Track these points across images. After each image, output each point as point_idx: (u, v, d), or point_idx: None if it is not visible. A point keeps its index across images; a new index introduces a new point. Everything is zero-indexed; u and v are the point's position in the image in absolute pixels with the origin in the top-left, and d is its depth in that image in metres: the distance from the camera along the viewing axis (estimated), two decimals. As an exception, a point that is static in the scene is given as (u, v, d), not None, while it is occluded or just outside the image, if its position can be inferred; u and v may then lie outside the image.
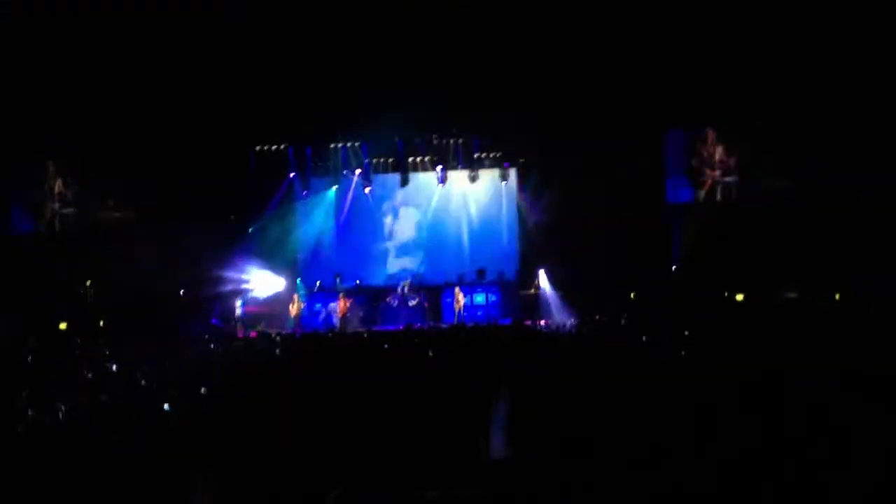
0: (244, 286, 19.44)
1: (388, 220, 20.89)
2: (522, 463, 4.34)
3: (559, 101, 17.41)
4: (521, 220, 20.37)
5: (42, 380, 8.22)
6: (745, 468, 3.98)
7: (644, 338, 10.11)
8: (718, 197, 18.86)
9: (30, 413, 6.13)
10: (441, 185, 20.66)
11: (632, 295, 17.96)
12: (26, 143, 18.53)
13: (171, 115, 17.70)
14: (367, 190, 20.72)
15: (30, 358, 11.02)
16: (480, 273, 19.86)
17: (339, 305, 19.25)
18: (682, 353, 7.84)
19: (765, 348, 8.28)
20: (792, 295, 16.18)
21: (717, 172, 18.89)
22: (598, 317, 16.18)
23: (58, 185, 19.69)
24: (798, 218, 16.92)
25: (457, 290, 19.03)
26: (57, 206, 19.68)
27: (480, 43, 16.79)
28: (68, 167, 19.66)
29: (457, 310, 18.79)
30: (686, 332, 10.37)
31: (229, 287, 19.30)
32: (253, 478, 4.35)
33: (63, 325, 17.43)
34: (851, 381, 5.70)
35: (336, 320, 19.06)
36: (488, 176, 20.72)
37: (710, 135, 18.95)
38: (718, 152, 18.93)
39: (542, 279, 19.28)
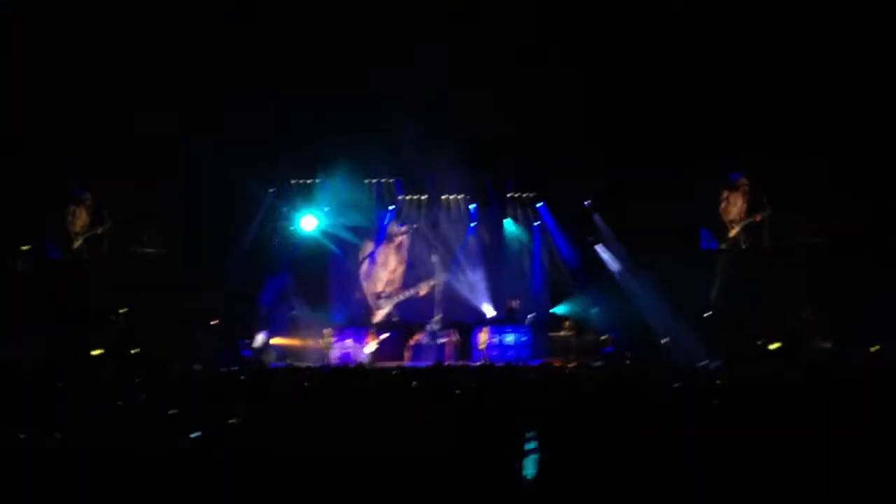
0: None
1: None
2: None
3: (598, 146, 17.49)
4: (552, 260, 20.35)
5: (72, 405, 8.26)
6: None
7: (675, 385, 9.97)
8: (743, 245, 18.77)
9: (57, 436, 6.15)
10: (473, 223, 20.70)
11: (662, 341, 17.83)
12: (61, 171, 18.81)
13: (206, 148, 17.92)
14: (399, 226, 20.84)
15: (61, 383, 11.09)
16: (510, 312, 19.81)
17: (370, 341, 19.29)
18: (715, 402, 7.70)
19: (801, 400, 8.12)
20: (827, 345, 15.93)
21: (749, 221, 18.80)
22: (627, 360, 16.04)
23: (92, 214, 19.94)
24: (832, 268, 16.72)
25: (482, 330, 19.02)
26: (90, 233, 19.91)
27: (517, 87, 16.97)
28: (102, 196, 19.90)
29: (481, 349, 18.76)
30: (718, 382, 10.20)
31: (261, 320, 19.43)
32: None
33: (96, 352, 17.58)
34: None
35: (365, 356, 19.09)
36: (520, 215, 20.72)
37: (743, 183, 18.91)
38: (749, 201, 18.88)
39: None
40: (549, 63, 16.83)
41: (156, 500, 4.52)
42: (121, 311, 19.11)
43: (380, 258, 21.01)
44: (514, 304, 19.93)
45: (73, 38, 16.61)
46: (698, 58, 16.53)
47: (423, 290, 20.57)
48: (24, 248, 19.33)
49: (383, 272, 20.99)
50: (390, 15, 16.39)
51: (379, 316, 20.54)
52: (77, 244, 19.94)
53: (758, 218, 18.62)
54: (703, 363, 15.00)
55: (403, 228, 20.84)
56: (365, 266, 21.09)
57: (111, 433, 6.37)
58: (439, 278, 20.15)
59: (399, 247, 21.02)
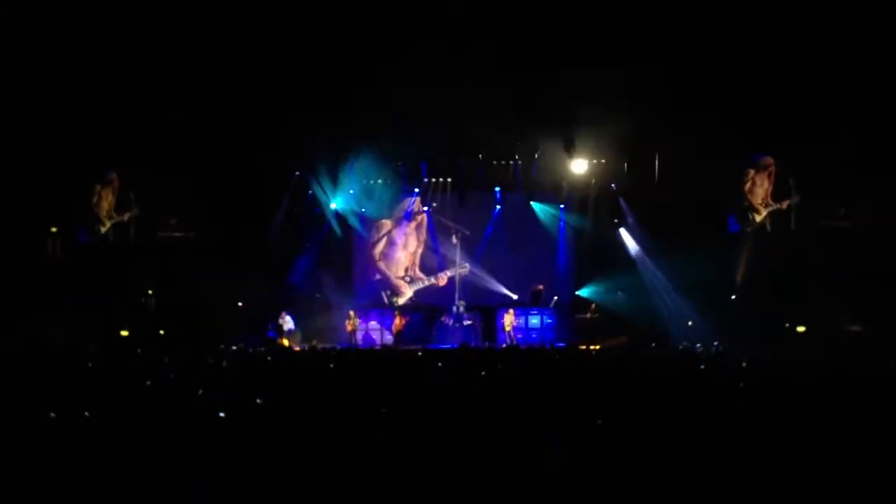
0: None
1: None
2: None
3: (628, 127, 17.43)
4: (579, 243, 20.28)
5: (101, 384, 8.37)
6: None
7: (702, 367, 9.94)
8: (769, 228, 18.63)
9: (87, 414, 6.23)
10: (499, 205, 20.67)
11: (689, 323, 17.75)
12: (89, 155, 18.99)
13: (233, 132, 17.98)
14: (424, 208, 20.84)
15: (90, 364, 11.23)
16: (536, 294, 19.79)
17: (395, 322, 19.38)
18: (741, 384, 7.66)
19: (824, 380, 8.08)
20: (856, 328, 15.80)
21: (776, 206, 18.65)
22: (653, 344, 15.96)
23: (120, 197, 20.09)
24: (858, 250, 16.55)
25: (508, 312, 19.03)
26: (118, 217, 20.07)
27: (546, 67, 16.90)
28: (131, 179, 20.04)
29: (507, 331, 18.78)
30: (744, 364, 10.16)
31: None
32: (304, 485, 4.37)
33: (125, 333, 17.78)
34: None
35: (391, 337, 19.18)
36: (544, 198, 20.66)
37: (769, 164, 18.73)
38: (775, 183, 18.71)
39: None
40: (572, 49, 16.73)
41: (182, 476, 4.57)
42: (149, 293, 19.30)
43: (399, 239, 21.00)
44: (540, 287, 19.90)
45: (102, 24, 16.74)
46: (727, 41, 16.37)
47: (442, 280, 20.56)
48: (53, 230, 19.55)
49: (403, 253, 20.99)
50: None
51: (402, 299, 20.59)
52: (105, 229, 20.11)
53: (784, 205, 18.44)
54: (716, 345, 14.97)
55: (423, 208, 20.81)
56: (381, 245, 21.07)
57: (139, 412, 6.45)
58: (461, 267, 20.13)
59: (419, 227, 21.01)
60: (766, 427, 5.14)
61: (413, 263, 21.04)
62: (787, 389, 7.46)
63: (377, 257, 21.08)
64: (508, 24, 16.75)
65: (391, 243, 21.11)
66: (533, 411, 5.78)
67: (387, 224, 21.15)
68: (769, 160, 18.72)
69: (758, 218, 18.74)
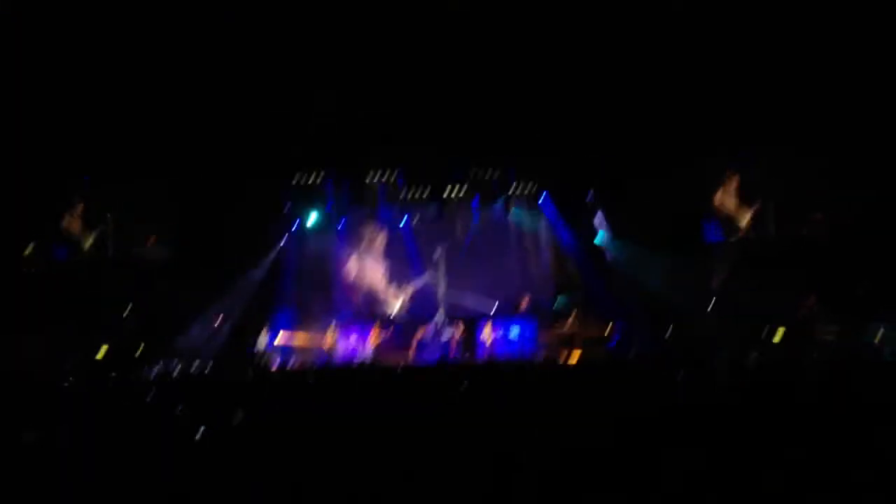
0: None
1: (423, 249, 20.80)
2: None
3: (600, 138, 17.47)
4: (556, 251, 20.33)
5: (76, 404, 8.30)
6: None
7: (680, 374, 9.98)
8: (746, 236, 18.73)
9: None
10: (477, 214, 20.68)
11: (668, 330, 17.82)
12: (64, 170, 18.78)
13: (204, 147, 17.89)
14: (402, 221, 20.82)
15: (67, 382, 11.13)
16: (517, 305, 19.79)
17: (372, 335, 19.27)
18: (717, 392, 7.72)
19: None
20: (829, 337, 15.92)
21: (749, 211, 18.77)
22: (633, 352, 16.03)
23: (93, 214, 19.89)
24: (835, 258, 16.71)
25: (487, 325, 19.00)
26: (93, 233, 19.87)
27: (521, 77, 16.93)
28: (104, 196, 19.85)
29: (487, 344, 18.74)
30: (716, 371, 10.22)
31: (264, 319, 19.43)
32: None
33: (101, 352, 17.61)
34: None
35: (369, 351, 19.08)
36: (524, 206, 20.72)
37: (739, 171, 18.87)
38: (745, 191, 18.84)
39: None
40: (549, 54, 16.76)
41: (161, 496, 4.54)
42: (126, 311, 19.13)
43: (366, 258, 20.81)
44: (521, 297, 19.90)
45: (74, 34, 16.55)
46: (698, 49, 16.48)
47: (409, 289, 20.36)
48: (29, 248, 19.33)
49: (376, 267, 20.77)
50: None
51: (395, 308, 20.32)
52: (82, 245, 19.89)
53: (751, 211, 18.58)
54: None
55: (379, 228, 20.69)
56: (353, 264, 20.86)
57: (116, 431, 6.40)
58: (430, 276, 20.06)
59: (379, 245, 20.78)
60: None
61: (389, 274, 20.82)
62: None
63: (356, 271, 20.90)
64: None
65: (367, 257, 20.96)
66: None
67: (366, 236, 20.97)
68: (746, 165, 18.84)
69: (741, 225, 18.84)
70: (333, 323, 19.50)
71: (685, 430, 5.53)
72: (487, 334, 18.95)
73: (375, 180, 20.41)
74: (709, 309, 17.96)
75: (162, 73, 17.11)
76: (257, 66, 16.95)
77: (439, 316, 19.44)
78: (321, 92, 17.35)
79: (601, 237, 19.82)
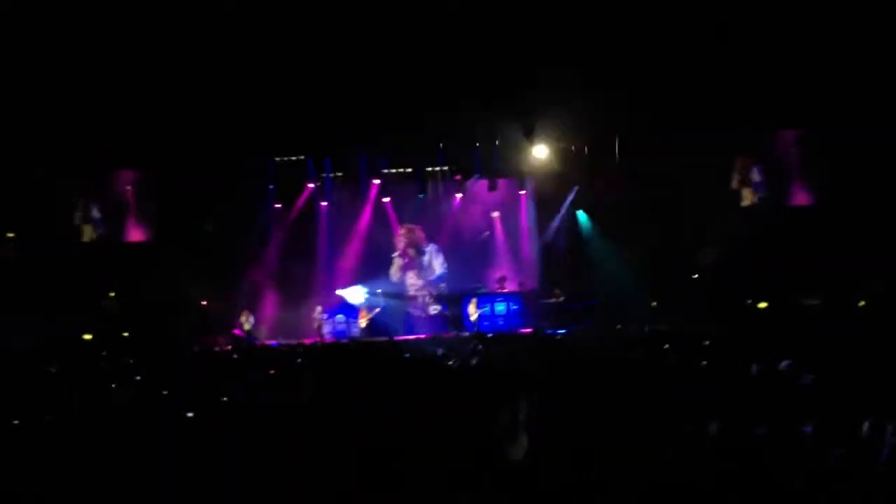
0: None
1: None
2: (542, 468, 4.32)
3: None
4: (541, 229, 20.38)
5: (65, 387, 8.28)
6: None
7: (666, 346, 10.04)
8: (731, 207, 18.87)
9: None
10: (460, 194, 20.69)
11: (653, 304, 17.93)
12: (44, 159, 18.65)
13: (188, 128, 17.81)
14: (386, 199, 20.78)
15: (53, 368, 11.09)
16: (501, 281, 19.86)
17: (361, 315, 19.29)
18: (703, 362, 7.75)
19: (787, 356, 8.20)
20: (814, 302, 16.04)
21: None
22: (619, 326, 16.10)
23: (81, 202, 19.80)
24: (820, 225, 16.86)
25: (472, 302, 19.04)
26: (81, 221, 19.78)
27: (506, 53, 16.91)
28: (84, 184, 19.75)
29: (473, 321, 18.81)
30: (706, 342, 10.27)
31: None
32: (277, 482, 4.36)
33: (88, 336, 17.56)
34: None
35: (357, 330, 19.10)
36: (507, 184, 20.73)
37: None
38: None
39: None
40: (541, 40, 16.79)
41: (150, 479, 4.54)
42: (110, 295, 19.06)
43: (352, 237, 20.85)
44: (504, 274, 19.99)
45: (58, 32, 16.47)
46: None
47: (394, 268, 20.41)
48: (9, 235, 19.22)
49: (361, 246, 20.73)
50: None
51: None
52: (64, 231, 19.79)
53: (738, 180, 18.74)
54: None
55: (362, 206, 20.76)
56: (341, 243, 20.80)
57: (105, 415, 6.39)
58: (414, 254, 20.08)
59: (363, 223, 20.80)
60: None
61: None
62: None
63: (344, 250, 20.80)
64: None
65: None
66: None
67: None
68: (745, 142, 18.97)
69: (745, 202, 18.99)
70: (320, 304, 19.51)
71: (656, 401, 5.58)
72: (472, 311, 19.01)
73: (358, 158, 20.33)
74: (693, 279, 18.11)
75: (145, 56, 17.07)
76: (241, 48, 16.92)
77: (426, 293, 19.49)
78: (303, 68, 17.29)
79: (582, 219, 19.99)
